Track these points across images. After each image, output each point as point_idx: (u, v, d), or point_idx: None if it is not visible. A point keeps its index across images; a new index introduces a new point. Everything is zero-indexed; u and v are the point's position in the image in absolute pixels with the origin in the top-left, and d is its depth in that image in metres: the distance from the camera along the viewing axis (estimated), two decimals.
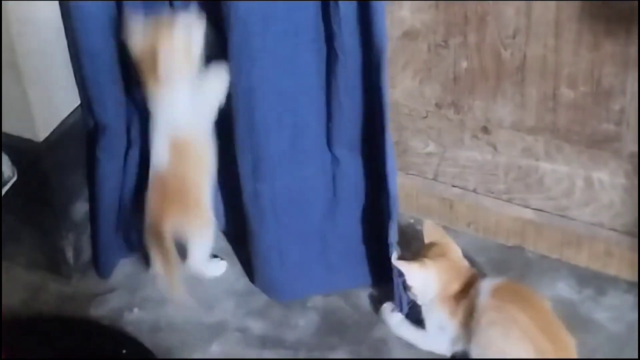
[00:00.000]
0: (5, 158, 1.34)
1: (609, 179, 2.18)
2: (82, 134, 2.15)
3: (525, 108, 2.16)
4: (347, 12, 1.86)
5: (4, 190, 1.35)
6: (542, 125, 2.18)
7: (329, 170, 2.11)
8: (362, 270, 2.23)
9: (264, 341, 2.15)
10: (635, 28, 1.95)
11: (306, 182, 2.11)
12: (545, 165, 2.23)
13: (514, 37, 2.08)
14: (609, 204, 2.21)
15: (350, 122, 2.03)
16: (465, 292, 1.99)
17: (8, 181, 1.38)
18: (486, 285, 1.97)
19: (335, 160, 2.09)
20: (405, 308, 2.11)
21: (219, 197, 2.27)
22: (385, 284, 2.16)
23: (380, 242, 2.11)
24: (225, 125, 2.05)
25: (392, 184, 2.00)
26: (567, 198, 2.25)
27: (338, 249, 2.20)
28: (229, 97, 1.99)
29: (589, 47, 2.03)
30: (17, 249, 2.28)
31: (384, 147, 1.96)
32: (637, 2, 1.91)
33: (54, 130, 2.09)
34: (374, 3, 1.81)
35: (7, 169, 1.36)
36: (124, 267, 2.33)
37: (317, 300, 2.23)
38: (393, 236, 2.06)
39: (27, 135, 2.04)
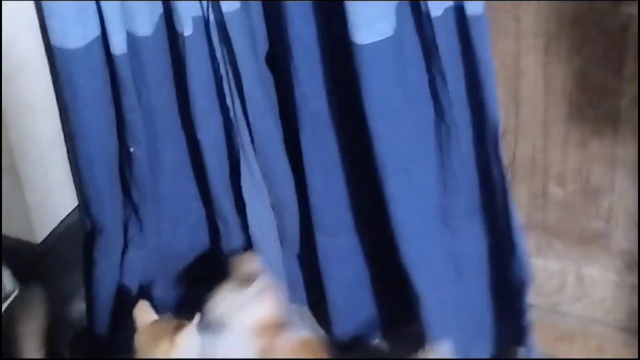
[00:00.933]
0: (7, 272, 1.36)
1: (600, 274, 2.19)
2: (79, 235, 2.18)
3: (515, 205, 2.19)
4: (455, 88, 1.91)
5: (5, 305, 1.37)
6: (533, 222, 2.20)
7: (448, 246, 2.11)
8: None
9: None
10: (621, 128, 1.99)
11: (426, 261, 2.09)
12: (536, 261, 2.24)
13: (503, 137, 2.11)
14: (601, 300, 2.22)
15: (466, 191, 2.05)
16: None
17: (10, 295, 1.39)
18: None
19: (453, 231, 2.10)
20: None
21: None
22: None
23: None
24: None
25: (520, 245, 2.04)
26: (559, 294, 2.26)
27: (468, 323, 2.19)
28: None
29: (576, 146, 2.06)
30: (15, 351, 2.28)
31: (508, 211, 2.00)
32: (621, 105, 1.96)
33: (52, 232, 2.11)
34: (484, 80, 1.88)
35: (9, 283, 1.38)
36: None
37: None
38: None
39: (25, 237, 2.07)
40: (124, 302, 2.23)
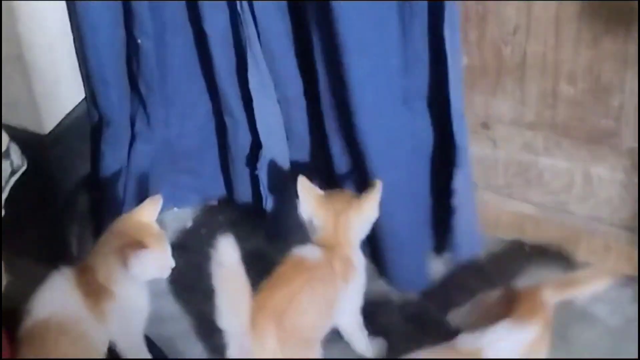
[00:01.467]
0: (15, 147, 1.36)
1: (607, 174, 2.20)
2: (87, 127, 2.18)
3: (525, 104, 2.18)
4: None
5: (13, 179, 1.37)
6: (542, 121, 2.19)
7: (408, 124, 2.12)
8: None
9: None
10: (634, 26, 1.97)
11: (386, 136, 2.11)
12: (544, 161, 2.24)
13: (514, 34, 2.09)
14: (608, 199, 2.23)
15: (423, 72, 2.06)
16: None
17: (17, 170, 1.39)
18: None
19: (410, 111, 2.11)
20: None
21: None
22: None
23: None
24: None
25: (458, 131, 2.07)
26: (566, 193, 2.27)
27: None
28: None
29: (588, 44, 2.04)
30: (22, 241, 2.30)
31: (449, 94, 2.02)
32: (636, 1, 1.93)
33: (60, 123, 2.11)
34: None
35: (17, 158, 1.38)
36: None
37: None
38: (461, 183, 2.13)
39: (32, 128, 2.06)
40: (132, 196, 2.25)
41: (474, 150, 2.30)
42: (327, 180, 2.20)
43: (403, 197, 2.12)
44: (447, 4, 1.90)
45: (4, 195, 1.36)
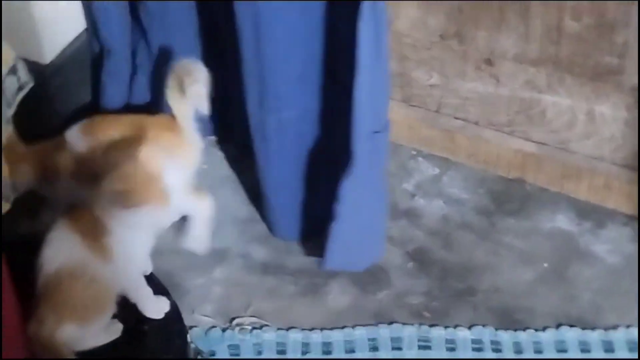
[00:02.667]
0: (22, 64, 1.35)
1: (610, 112, 2.19)
2: (88, 58, 2.16)
3: (528, 40, 2.16)
4: None
5: (21, 95, 1.36)
6: (545, 57, 2.18)
7: (330, 97, 2.05)
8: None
9: (266, 267, 2.18)
10: None
11: (310, 114, 2.09)
12: (547, 98, 2.23)
13: None
14: (610, 137, 2.22)
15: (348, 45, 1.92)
16: None
17: (24, 86, 1.39)
18: None
19: (336, 85, 2.01)
20: None
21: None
22: None
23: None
24: (233, 53, 2.04)
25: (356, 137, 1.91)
26: (569, 131, 2.26)
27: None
28: (238, 26, 1.95)
29: None
30: None
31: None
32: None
33: (60, 53, 2.09)
34: None
35: (24, 75, 1.37)
36: None
37: None
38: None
39: (33, 57, 2.04)
40: None
41: (476, 87, 2.29)
42: None
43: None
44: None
45: (12, 111, 1.36)
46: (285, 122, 2.06)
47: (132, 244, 1.85)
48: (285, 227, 2.24)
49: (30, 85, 1.40)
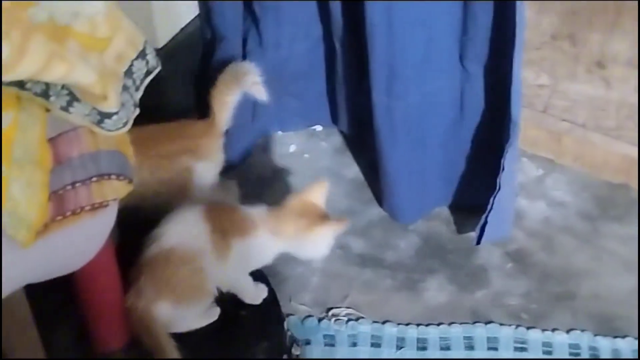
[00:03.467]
0: (150, 48, 1.37)
1: None
2: (199, 44, 2.19)
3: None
4: None
5: (148, 79, 1.39)
6: (638, 29, 2.14)
7: (458, 85, 2.08)
8: (476, 188, 2.18)
9: (364, 260, 2.18)
10: None
11: (436, 97, 2.09)
12: None
13: None
14: None
15: (484, 36, 1.98)
16: None
17: (152, 70, 1.41)
18: None
19: (465, 74, 2.06)
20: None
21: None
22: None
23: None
24: (358, 38, 2.06)
25: (515, 105, 1.94)
26: None
27: (459, 164, 2.20)
28: (366, 12, 1.95)
29: None
30: None
31: (512, 65, 1.89)
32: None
33: (173, 38, 2.12)
34: None
35: (152, 58, 1.39)
36: (232, 178, 2.30)
37: (418, 224, 2.24)
38: (508, 160, 2.01)
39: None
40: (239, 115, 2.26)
41: (586, 90, 2.27)
42: None
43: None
44: None
45: (140, 94, 1.38)
46: (412, 108, 2.08)
47: (260, 256, 1.93)
48: (408, 211, 2.26)
49: (158, 69, 1.41)
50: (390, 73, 2.02)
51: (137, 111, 1.39)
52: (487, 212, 2.02)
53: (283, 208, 1.91)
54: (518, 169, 2.20)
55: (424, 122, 2.11)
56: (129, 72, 1.34)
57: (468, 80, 2.06)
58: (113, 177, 1.39)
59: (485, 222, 2.04)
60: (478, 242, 2.09)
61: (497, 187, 1.99)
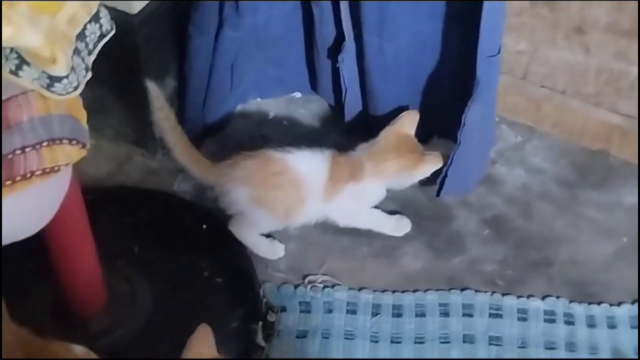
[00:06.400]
0: (104, 11, 1.36)
1: None
2: (175, 9, 2.17)
3: (621, 9, 2.12)
4: None
5: (102, 42, 1.37)
6: (638, 28, 2.13)
7: (446, 26, 2.11)
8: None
9: (341, 228, 2.16)
10: None
11: (423, 38, 2.13)
12: (637, 70, 2.18)
13: None
14: None
15: None
16: None
17: (107, 34, 1.39)
18: None
19: (453, 18, 2.09)
20: None
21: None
22: None
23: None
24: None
25: (480, 61, 1.97)
26: None
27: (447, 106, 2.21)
28: None
29: None
30: (105, 121, 2.32)
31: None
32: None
33: (148, 4, 2.10)
34: None
35: (106, 22, 1.38)
36: (210, 146, 2.33)
37: (395, 191, 2.23)
38: (471, 116, 2.04)
39: (121, 7, 2.06)
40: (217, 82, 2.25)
41: (565, 56, 2.25)
42: None
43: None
44: None
45: (92, 58, 1.37)
46: (403, 49, 2.13)
47: (368, 198, 2.12)
48: None
49: (112, 32, 1.40)
50: (382, 14, 2.06)
51: (90, 75, 1.38)
52: (447, 165, 2.07)
53: (381, 145, 2.06)
54: (489, 127, 2.22)
55: (412, 63, 2.17)
56: (81, 36, 1.33)
57: (456, 24, 2.09)
58: (65, 141, 1.38)
59: (445, 176, 2.10)
60: (437, 195, 2.16)
61: (457, 142, 2.04)
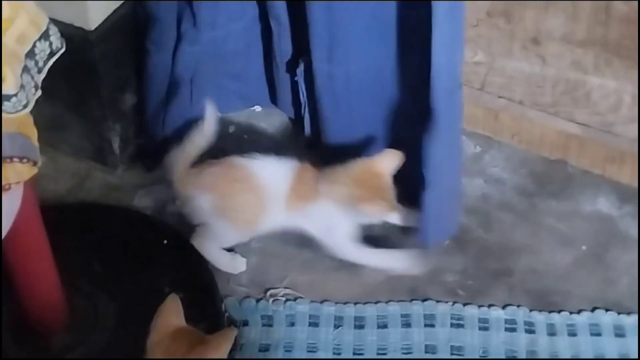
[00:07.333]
0: (54, 29, 1.36)
1: None
2: (133, 25, 2.17)
3: (577, 20, 2.14)
4: None
5: (52, 61, 1.37)
6: (593, 39, 2.15)
7: (396, 55, 2.06)
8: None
9: (303, 240, 2.13)
10: None
11: (379, 64, 2.08)
12: (593, 80, 2.21)
13: None
14: None
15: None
16: None
17: (57, 52, 1.39)
18: None
19: (405, 44, 2.03)
20: None
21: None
22: None
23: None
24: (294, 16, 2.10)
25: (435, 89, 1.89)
26: (614, 114, 2.23)
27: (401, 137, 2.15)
28: None
29: None
30: (64, 137, 2.32)
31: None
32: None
33: (106, 19, 2.10)
34: None
35: (56, 39, 1.38)
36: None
37: None
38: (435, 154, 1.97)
39: (78, 23, 2.06)
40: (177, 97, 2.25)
41: (522, 66, 2.27)
42: None
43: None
44: None
45: (42, 76, 1.37)
46: (354, 74, 2.08)
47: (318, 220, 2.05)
48: None
49: (62, 50, 1.40)
50: (332, 40, 2.02)
51: (39, 93, 1.37)
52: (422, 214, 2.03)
53: (345, 171, 2.00)
54: (457, 163, 2.14)
55: (365, 91, 2.11)
56: (31, 54, 1.33)
57: (409, 53, 2.04)
58: (16, 159, 1.38)
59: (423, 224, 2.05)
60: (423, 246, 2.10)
61: (425, 183, 1.98)
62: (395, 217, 2.03)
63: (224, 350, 1.51)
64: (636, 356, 1.96)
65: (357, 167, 2.01)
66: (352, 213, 2.01)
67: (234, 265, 2.11)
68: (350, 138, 2.18)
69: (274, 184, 2.03)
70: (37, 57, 1.35)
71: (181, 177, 2.04)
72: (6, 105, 1.32)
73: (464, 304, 2.04)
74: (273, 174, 2.04)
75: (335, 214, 2.02)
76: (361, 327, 2.01)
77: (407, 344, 1.98)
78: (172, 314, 1.56)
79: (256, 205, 2.03)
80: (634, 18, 2.06)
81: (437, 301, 2.04)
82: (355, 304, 2.05)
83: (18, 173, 1.41)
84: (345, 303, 2.05)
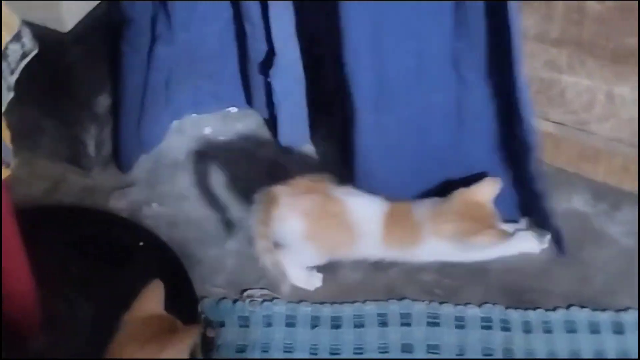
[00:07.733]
0: (26, 30, 1.36)
1: (630, 94, 2.16)
2: (108, 27, 2.16)
3: (550, 19, 2.15)
4: None
5: (24, 62, 1.37)
6: (567, 38, 2.16)
7: (454, 93, 2.06)
8: None
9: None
10: None
11: (432, 109, 2.08)
12: (567, 79, 2.21)
13: None
14: (629, 120, 2.20)
15: (479, 43, 1.97)
16: None
17: (29, 53, 1.39)
18: None
19: (461, 80, 2.04)
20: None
21: None
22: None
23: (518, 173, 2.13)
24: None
25: (526, 114, 1.98)
26: (588, 112, 2.24)
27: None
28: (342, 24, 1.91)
29: None
30: (39, 140, 2.31)
31: (514, 73, 1.92)
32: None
33: (80, 21, 2.09)
34: None
35: (29, 41, 1.38)
36: (145, 163, 2.35)
37: None
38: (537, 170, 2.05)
39: (52, 25, 2.05)
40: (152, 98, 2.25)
41: None
42: None
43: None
44: None
45: (15, 77, 1.37)
46: (405, 120, 2.08)
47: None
48: None
49: (35, 52, 1.40)
50: (379, 86, 2.00)
51: (12, 94, 1.37)
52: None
53: (447, 205, 2.01)
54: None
55: (418, 136, 2.11)
56: (3, 55, 1.33)
57: (465, 88, 2.05)
58: None
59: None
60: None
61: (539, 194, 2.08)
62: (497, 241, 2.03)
63: (184, 346, 1.53)
64: (611, 353, 1.97)
65: (458, 199, 2.02)
66: (463, 246, 2.02)
67: (311, 281, 2.11)
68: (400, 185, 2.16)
69: (366, 224, 2.01)
70: (10, 59, 1.35)
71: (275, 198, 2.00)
72: None
73: (440, 303, 2.05)
74: (366, 213, 2.02)
75: (446, 249, 2.04)
76: (338, 326, 2.01)
77: (384, 343, 1.98)
78: (151, 299, 1.57)
79: (346, 241, 2.02)
80: (607, 17, 2.07)
81: (414, 300, 2.05)
82: (332, 303, 2.05)
83: None
84: (321, 303, 2.06)
